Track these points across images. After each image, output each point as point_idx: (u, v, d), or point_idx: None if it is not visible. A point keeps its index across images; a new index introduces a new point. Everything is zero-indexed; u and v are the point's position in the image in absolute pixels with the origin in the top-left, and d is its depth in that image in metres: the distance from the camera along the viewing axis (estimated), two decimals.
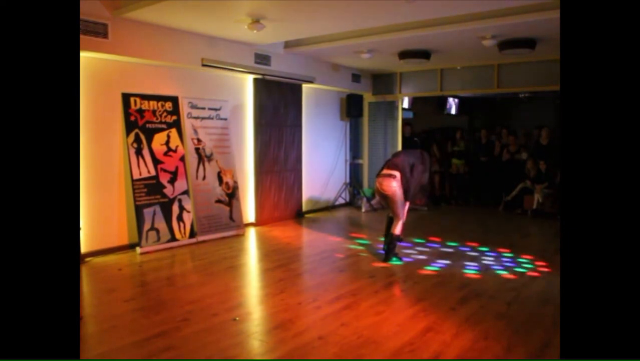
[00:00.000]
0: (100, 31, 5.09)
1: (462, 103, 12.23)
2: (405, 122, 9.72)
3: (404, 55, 7.33)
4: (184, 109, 6.29)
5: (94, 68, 5.36)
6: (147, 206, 5.70)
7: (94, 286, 4.55)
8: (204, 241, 6.18)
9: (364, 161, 9.98)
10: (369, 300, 4.02)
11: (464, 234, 6.76)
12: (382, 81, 9.65)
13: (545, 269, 4.96)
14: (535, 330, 3.41)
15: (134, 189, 5.62)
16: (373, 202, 9.04)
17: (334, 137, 9.35)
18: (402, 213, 5.24)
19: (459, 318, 3.61)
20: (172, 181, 5.98)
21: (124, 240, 5.74)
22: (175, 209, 5.96)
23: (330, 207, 9.06)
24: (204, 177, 6.42)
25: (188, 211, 6.09)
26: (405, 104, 9.81)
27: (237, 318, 3.60)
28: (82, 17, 4.81)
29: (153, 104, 5.94)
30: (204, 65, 6.26)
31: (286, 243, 6.27)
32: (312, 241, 6.60)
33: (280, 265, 5.13)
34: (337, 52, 7.51)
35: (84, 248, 5.21)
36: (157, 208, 5.78)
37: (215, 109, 6.68)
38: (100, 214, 5.51)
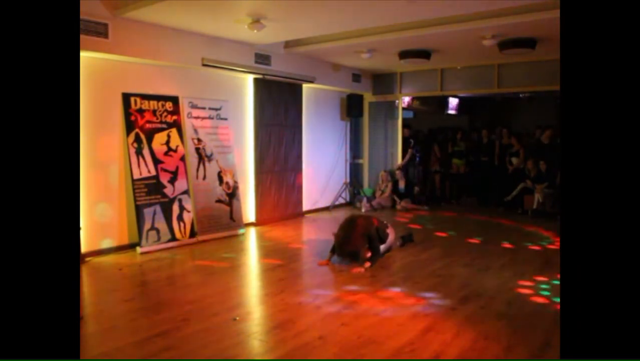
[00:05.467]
0: (100, 31, 5.09)
1: (463, 103, 12.23)
2: (403, 124, 9.72)
3: (404, 55, 7.33)
4: (184, 108, 6.29)
5: (94, 68, 5.36)
6: (147, 206, 5.70)
7: (94, 286, 4.55)
8: (204, 241, 6.18)
9: (364, 161, 9.98)
10: (369, 300, 4.01)
11: (464, 234, 6.76)
12: (383, 81, 9.65)
13: (545, 269, 4.95)
14: (535, 330, 3.41)
15: (134, 189, 5.62)
16: (373, 202, 9.04)
17: (334, 137, 9.35)
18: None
19: (459, 318, 3.61)
20: (172, 180, 5.98)
21: (124, 240, 5.74)
22: (175, 209, 5.96)
23: (330, 207, 9.06)
24: (204, 177, 6.42)
25: (188, 211, 6.09)
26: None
27: (237, 318, 3.60)
28: (82, 17, 4.81)
29: (153, 104, 5.94)
30: (204, 65, 6.25)
31: (286, 243, 6.27)
32: (312, 241, 6.60)
33: (280, 265, 5.13)
34: (337, 52, 7.51)
35: (84, 248, 5.21)
36: (158, 208, 5.78)
37: (216, 109, 6.68)
38: (100, 214, 5.51)
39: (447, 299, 4.02)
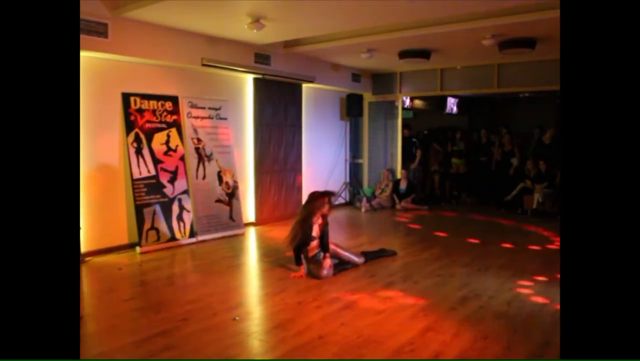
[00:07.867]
0: (100, 31, 5.09)
1: (462, 103, 12.23)
2: (403, 124, 9.73)
3: (404, 55, 7.33)
4: (184, 108, 6.29)
5: (94, 68, 5.36)
6: (147, 205, 5.70)
7: (94, 286, 4.55)
8: (204, 241, 6.18)
9: (364, 161, 9.98)
10: (369, 300, 4.01)
11: (464, 233, 6.76)
12: (382, 81, 9.64)
13: (545, 269, 4.95)
14: (535, 329, 3.41)
15: (134, 189, 5.62)
16: (373, 202, 9.04)
17: (333, 137, 9.35)
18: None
19: (459, 318, 3.61)
20: (172, 180, 5.98)
21: (124, 240, 5.74)
22: (175, 208, 5.95)
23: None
24: (204, 177, 6.42)
25: (188, 211, 6.08)
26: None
27: (237, 318, 3.60)
28: (82, 16, 4.81)
29: (153, 104, 5.93)
30: (204, 65, 6.25)
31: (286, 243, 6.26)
32: None
33: (280, 265, 5.13)
34: (337, 52, 7.51)
35: (84, 248, 5.21)
36: (157, 208, 5.78)
37: (215, 109, 6.68)
38: (100, 214, 5.51)
39: (446, 299, 4.03)
